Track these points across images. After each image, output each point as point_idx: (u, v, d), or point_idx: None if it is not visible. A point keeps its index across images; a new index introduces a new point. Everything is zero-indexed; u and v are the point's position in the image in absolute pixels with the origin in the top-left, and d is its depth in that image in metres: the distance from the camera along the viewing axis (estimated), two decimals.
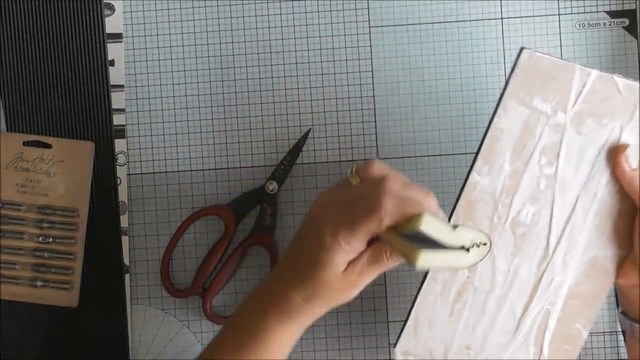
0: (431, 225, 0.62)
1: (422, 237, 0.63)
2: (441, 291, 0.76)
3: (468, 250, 0.65)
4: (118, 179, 0.88)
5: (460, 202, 0.76)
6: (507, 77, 0.76)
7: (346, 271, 0.65)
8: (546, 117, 0.75)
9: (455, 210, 0.76)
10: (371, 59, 0.88)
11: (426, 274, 0.77)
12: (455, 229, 0.65)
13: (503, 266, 0.76)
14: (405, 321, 0.77)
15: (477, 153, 0.76)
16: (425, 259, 0.62)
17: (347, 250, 0.64)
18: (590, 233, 0.76)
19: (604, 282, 0.76)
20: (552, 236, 0.76)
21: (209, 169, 0.88)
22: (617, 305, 0.84)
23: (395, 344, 0.77)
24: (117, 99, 0.88)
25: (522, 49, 0.75)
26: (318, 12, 0.88)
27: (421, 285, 0.77)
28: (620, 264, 0.76)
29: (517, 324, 0.76)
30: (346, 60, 0.88)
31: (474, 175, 0.76)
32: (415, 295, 0.77)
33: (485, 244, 0.66)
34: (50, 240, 0.87)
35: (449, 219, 0.76)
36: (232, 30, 0.89)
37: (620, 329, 0.86)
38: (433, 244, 0.64)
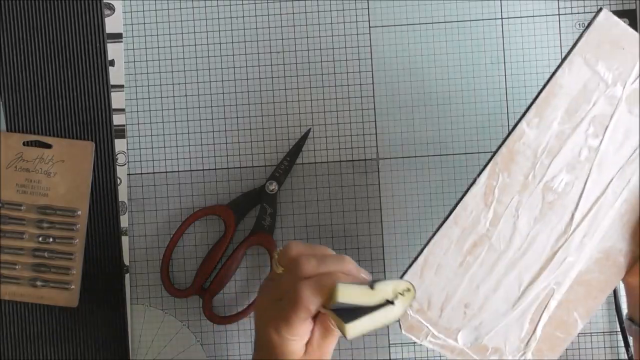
0: (347, 293, 0.65)
1: (347, 306, 0.66)
2: (458, 238, 0.74)
3: (393, 302, 0.67)
4: (118, 179, 0.88)
5: (503, 149, 0.74)
6: (580, 33, 0.74)
7: (306, 353, 0.69)
8: (605, 86, 0.74)
9: (494, 157, 0.74)
10: (371, 59, 0.88)
11: (449, 214, 0.75)
12: (374, 287, 0.67)
13: (524, 229, 0.74)
14: (415, 259, 0.75)
15: (531, 103, 0.74)
16: (354, 328, 0.65)
17: (295, 339, 0.68)
18: (614, 220, 0.74)
19: (613, 277, 0.75)
20: (577, 212, 0.74)
21: (209, 169, 0.88)
22: (617, 312, 0.83)
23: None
24: (117, 99, 0.88)
25: (601, 9, 0.73)
26: (318, 12, 0.88)
27: (441, 225, 0.75)
28: (633, 262, 0.74)
29: (519, 295, 0.74)
30: (346, 60, 0.88)
31: (522, 125, 0.74)
32: (431, 235, 0.75)
33: (408, 290, 0.68)
34: (50, 240, 0.87)
35: (485, 166, 0.74)
36: (232, 30, 0.89)
37: (619, 329, 0.86)
38: (359, 309, 0.66)
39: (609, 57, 0.74)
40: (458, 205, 0.75)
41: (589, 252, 0.74)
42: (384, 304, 0.67)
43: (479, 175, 0.75)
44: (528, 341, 0.75)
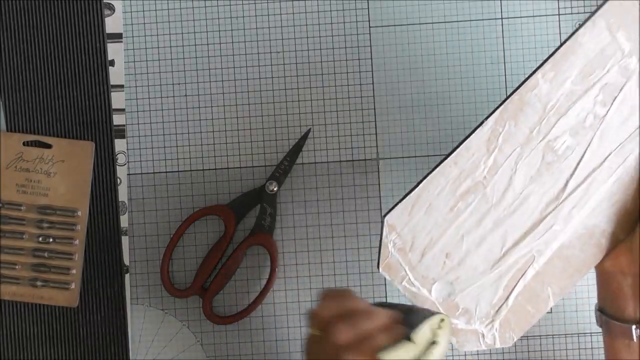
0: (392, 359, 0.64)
1: None
2: (454, 179, 0.73)
3: (436, 341, 0.66)
4: (118, 179, 0.88)
5: (515, 96, 0.73)
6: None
7: None
8: (621, 55, 0.73)
9: (505, 104, 0.73)
10: (371, 59, 0.88)
11: (450, 153, 0.74)
12: (413, 338, 0.65)
13: (518, 186, 0.74)
14: (408, 193, 0.74)
15: (550, 55, 0.73)
16: None
17: None
18: (604, 198, 0.73)
19: (592, 257, 0.74)
20: (572, 180, 0.73)
21: (209, 169, 0.88)
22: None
23: (387, 213, 0.74)
24: (117, 99, 0.88)
25: None
26: (318, 12, 0.88)
27: (439, 164, 0.74)
28: (613, 246, 0.74)
29: (500, 257, 0.74)
30: (346, 60, 0.88)
31: (537, 75, 0.73)
32: (429, 172, 0.74)
33: (443, 320, 0.67)
34: (50, 240, 0.87)
35: (495, 110, 0.73)
36: (232, 30, 0.89)
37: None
38: None
39: (630, 27, 0.73)
40: (461, 145, 0.74)
41: (574, 225, 0.74)
42: (429, 346, 0.66)
43: (487, 118, 0.74)
44: (499, 308, 0.74)
